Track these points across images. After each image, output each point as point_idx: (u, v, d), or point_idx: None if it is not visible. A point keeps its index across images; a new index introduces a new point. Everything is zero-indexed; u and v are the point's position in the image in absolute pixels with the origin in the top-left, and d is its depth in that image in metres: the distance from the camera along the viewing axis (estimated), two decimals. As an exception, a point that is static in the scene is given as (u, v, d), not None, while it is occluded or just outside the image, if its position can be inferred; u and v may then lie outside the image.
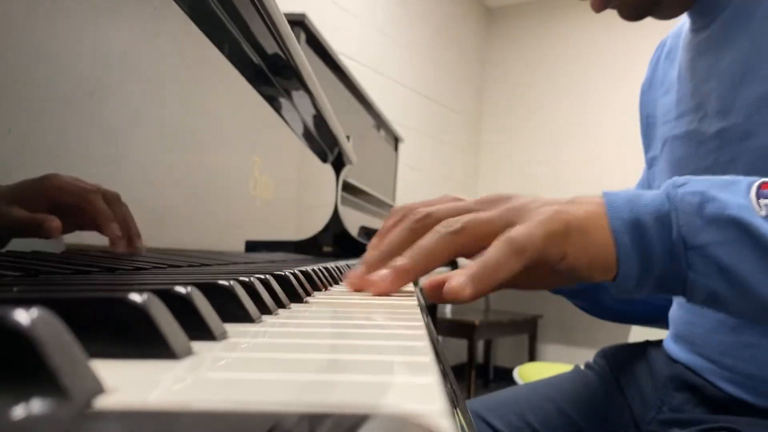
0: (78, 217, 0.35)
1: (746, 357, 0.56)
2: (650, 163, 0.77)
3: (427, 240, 0.41)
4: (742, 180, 0.42)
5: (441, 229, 0.41)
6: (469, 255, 0.42)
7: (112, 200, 0.38)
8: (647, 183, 0.79)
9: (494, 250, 0.38)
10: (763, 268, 0.39)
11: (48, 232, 0.32)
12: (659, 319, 0.73)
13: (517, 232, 0.38)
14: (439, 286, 0.39)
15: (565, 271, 0.41)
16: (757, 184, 0.41)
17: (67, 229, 0.34)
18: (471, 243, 0.41)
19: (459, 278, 0.37)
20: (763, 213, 0.39)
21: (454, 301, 0.38)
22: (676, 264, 0.40)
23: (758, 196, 0.40)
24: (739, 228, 0.39)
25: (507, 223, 0.40)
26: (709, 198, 0.40)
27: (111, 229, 0.38)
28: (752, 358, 0.56)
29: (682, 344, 0.65)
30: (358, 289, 0.43)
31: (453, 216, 0.42)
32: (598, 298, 0.70)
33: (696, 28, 0.63)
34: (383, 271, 0.41)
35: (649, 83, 0.78)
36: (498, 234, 0.39)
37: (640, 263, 0.41)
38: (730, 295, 0.40)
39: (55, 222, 0.32)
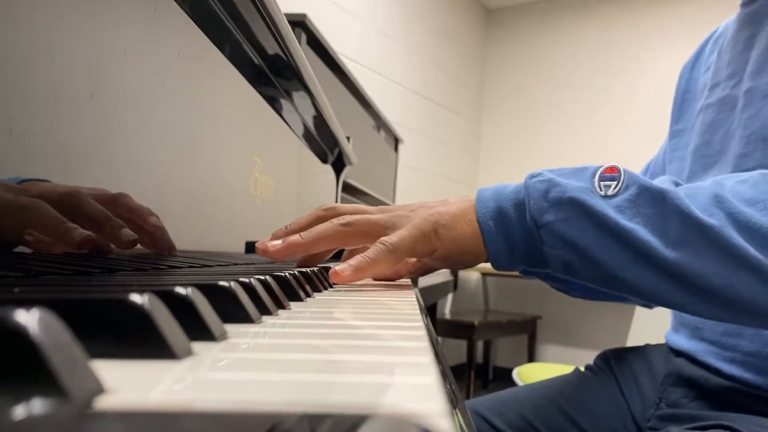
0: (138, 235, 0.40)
1: (749, 335, 0.58)
2: (674, 134, 0.80)
3: (321, 226, 0.51)
4: (590, 167, 0.50)
5: (335, 220, 0.51)
6: (353, 246, 0.54)
7: (145, 215, 0.43)
8: (662, 154, 0.83)
9: (372, 249, 0.48)
10: (600, 239, 0.45)
11: (125, 245, 0.38)
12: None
13: (391, 236, 0.48)
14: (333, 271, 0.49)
15: (443, 259, 0.52)
16: (601, 170, 0.49)
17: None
18: (355, 236, 0.50)
19: (343, 265, 0.47)
20: (602, 193, 0.47)
21: (337, 280, 0.47)
22: (533, 241, 0.48)
23: (600, 179, 0.48)
24: (577, 206, 0.46)
25: (390, 227, 0.50)
26: (554, 184, 0.48)
27: (159, 245, 0.45)
28: (754, 336, 0.58)
29: (683, 331, 0.67)
30: (259, 251, 0.52)
31: (352, 214, 0.52)
32: (568, 280, 0.72)
33: (745, 2, 0.67)
34: (276, 241, 0.51)
35: (693, 65, 0.81)
36: (380, 234, 0.49)
37: (506, 243, 0.49)
38: (579, 265, 0.47)
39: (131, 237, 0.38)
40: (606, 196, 0.47)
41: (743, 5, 0.67)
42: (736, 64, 0.65)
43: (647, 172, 0.87)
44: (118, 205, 0.38)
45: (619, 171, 0.48)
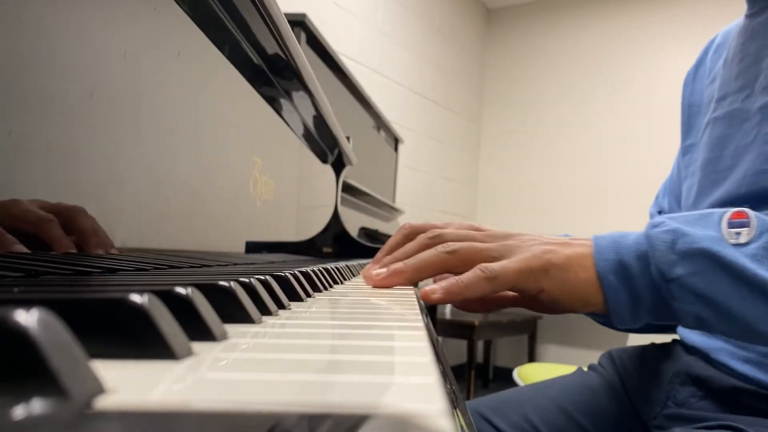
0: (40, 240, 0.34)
1: None
2: (686, 151, 0.78)
3: (426, 254, 0.49)
4: (715, 213, 0.46)
5: (440, 247, 0.49)
6: (458, 274, 0.50)
7: (73, 218, 0.36)
8: (678, 170, 0.81)
9: (470, 274, 0.46)
10: (737, 291, 0.42)
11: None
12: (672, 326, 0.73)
13: (494, 264, 0.46)
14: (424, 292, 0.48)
15: (546, 302, 0.48)
16: (727, 215, 0.45)
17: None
18: (460, 264, 0.48)
19: (435, 287, 0.46)
20: (733, 241, 0.44)
21: (426, 300, 0.46)
22: (660, 295, 0.45)
23: (729, 225, 0.45)
24: (708, 258, 0.43)
25: (497, 256, 0.47)
26: (681, 234, 0.45)
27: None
28: None
29: None
30: (365, 279, 0.51)
31: (457, 241, 0.50)
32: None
33: (752, 13, 0.66)
34: (381, 269, 0.50)
35: (694, 75, 0.80)
36: (485, 262, 0.47)
37: (629, 297, 0.46)
38: (713, 319, 0.44)
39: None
40: (738, 245, 0.43)
41: (749, 16, 0.66)
42: (745, 77, 0.64)
43: (665, 194, 0.84)
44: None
45: (748, 216, 0.45)
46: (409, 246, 0.52)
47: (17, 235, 0.29)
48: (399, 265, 0.49)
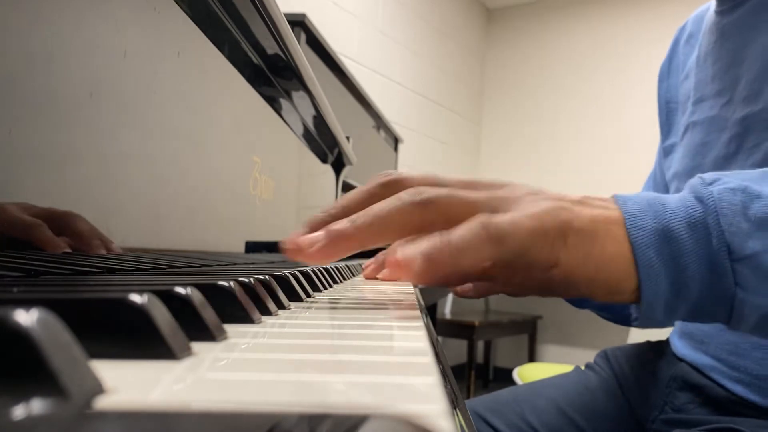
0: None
1: (756, 358, 0.55)
2: (667, 150, 0.74)
3: (383, 205, 0.33)
4: None
5: (405, 196, 0.33)
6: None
7: (63, 223, 0.34)
8: (659, 172, 0.77)
9: (464, 229, 0.30)
10: None
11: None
12: None
13: (499, 217, 0.31)
14: (379, 265, 0.33)
15: (557, 282, 0.33)
16: None
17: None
18: (438, 222, 0.32)
19: (410, 250, 0.29)
20: None
21: (397, 278, 0.31)
22: (718, 282, 0.32)
23: None
24: None
25: (492, 211, 0.32)
26: (754, 195, 0.32)
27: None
28: (763, 359, 0.55)
29: (687, 341, 0.64)
30: (289, 251, 0.35)
31: (427, 186, 0.34)
32: (626, 312, 0.69)
33: (722, 10, 0.62)
34: (315, 234, 0.33)
35: (668, 68, 0.76)
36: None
37: (672, 285, 0.32)
38: None
39: None
40: None
41: (719, 13, 0.62)
42: (722, 81, 0.60)
43: (652, 190, 0.80)
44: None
45: None
46: (352, 195, 0.36)
47: (8, 241, 0.29)
48: (342, 224, 0.33)
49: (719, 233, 0.32)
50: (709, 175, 0.35)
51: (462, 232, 0.30)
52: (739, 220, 0.32)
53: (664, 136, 0.76)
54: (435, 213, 0.32)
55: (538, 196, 0.34)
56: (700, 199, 0.33)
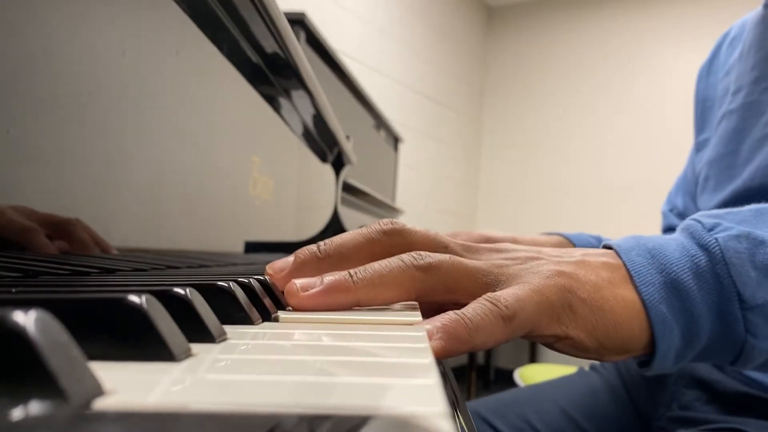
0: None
1: None
2: (700, 146, 0.74)
3: (385, 264, 0.31)
4: None
5: (407, 258, 0.32)
6: (430, 303, 0.35)
7: (61, 228, 0.33)
8: (692, 167, 0.78)
9: (476, 308, 0.29)
10: None
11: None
12: None
13: (505, 294, 0.30)
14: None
15: (567, 351, 0.33)
16: None
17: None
18: (438, 289, 0.32)
19: (429, 326, 0.28)
20: None
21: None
22: (728, 329, 0.32)
23: None
24: None
25: (492, 283, 0.32)
26: (758, 242, 0.32)
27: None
28: None
29: None
30: (276, 283, 0.33)
31: (430, 247, 0.34)
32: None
33: None
34: (310, 280, 0.31)
35: (708, 69, 0.77)
36: (476, 291, 0.31)
37: (683, 336, 0.32)
38: None
39: None
40: None
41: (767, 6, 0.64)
42: (762, 68, 0.61)
43: (678, 191, 0.81)
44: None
45: None
46: (351, 239, 0.34)
47: (3, 243, 0.29)
48: (340, 276, 0.31)
49: (730, 283, 0.32)
50: (706, 220, 0.35)
51: (476, 309, 0.29)
52: (748, 269, 0.32)
53: (698, 131, 0.76)
54: (436, 279, 0.32)
55: (538, 262, 0.33)
56: (704, 247, 0.33)
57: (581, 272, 0.32)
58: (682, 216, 0.78)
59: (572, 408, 0.67)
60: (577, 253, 0.35)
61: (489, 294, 0.30)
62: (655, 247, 0.34)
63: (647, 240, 0.35)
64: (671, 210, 0.81)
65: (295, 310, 0.31)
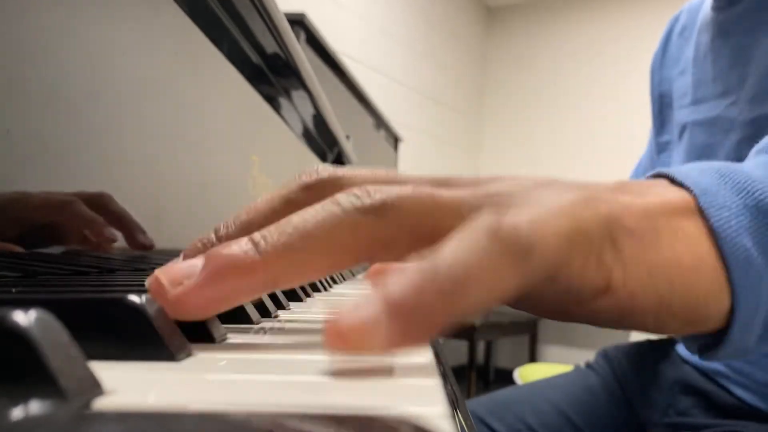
0: (71, 232, 0.32)
1: (765, 365, 0.55)
2: (661, 147, 0.72)
3: (308, 214, 0.20)
4: None
5: (345, 199, 0.20)
6: (387, 261, 0.21)
7: (101, 204, 0.33)
8: (653, 166, 0.75)
9: (461, 244, 0.17)
10: None
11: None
12: None
13: (511, 219, 0.18)
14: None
15: (608, 315, 0.21)
16: None
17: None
18: (400, 240, 0.20)
19: (368, 308, 0.16)
20: None
21: (345, 351, 0.16)
22: None
23: None
24: None
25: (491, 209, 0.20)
26: None
27: (105, 235, 0.33)
28: None
29: None
30: (151, 291, 0.19)
31: (381, 184, 0.21)
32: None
33: (720, 6, 0.60)
34: (186, 263, 0.20)
35: (661, 60, 0.73)
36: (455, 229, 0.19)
37: None
38: None
39: None
40: None
41: (715, 9, 0.60)
42: (725, 82, 0.59)
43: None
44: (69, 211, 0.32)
45: None
46: (263, 202, 0.23)
47: (36, 228, 0.30)
48: (236, 246, 0.19)
49: None
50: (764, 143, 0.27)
51: (458, 249, 0.17)
52: None
53: (657, 130, 0.74)
54: (396, 224, 0.20)
55: (554, 186, 0.22)
56: None
57: (622, 196, 0.21)
58: None
59: (570, 408, 0.67)
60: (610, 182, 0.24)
61: (486, 218, 0.18)
62: (727, 167, 0.23)
63: (713, 163, 0.24)
64: None
65: (172, 314, 0.18)
